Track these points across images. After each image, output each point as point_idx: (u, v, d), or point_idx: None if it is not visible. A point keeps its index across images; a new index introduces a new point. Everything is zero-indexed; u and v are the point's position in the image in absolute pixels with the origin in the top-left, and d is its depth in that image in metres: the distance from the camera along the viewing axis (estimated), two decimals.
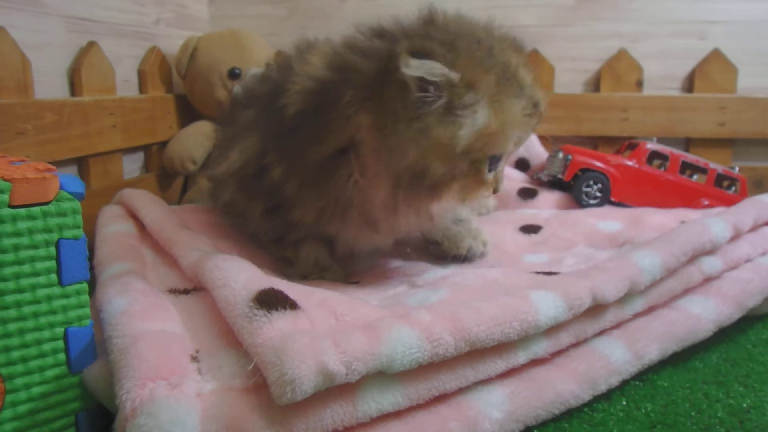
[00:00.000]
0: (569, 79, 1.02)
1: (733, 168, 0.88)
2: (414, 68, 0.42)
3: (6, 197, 0.35)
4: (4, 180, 0.35)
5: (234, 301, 0.39)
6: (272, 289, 0.40)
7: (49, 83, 0.71)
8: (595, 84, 1.02)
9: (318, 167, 0.48)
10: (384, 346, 0.35)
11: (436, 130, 0.44)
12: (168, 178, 0.93)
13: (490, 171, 0.47)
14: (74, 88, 0.75)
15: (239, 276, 0.42)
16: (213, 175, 0.64)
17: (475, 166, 0.46)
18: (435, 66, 0.42)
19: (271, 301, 0.39)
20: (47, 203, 0.37)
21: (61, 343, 0.38)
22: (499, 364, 0.40)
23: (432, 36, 0.45)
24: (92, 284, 0.48)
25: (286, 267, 0.60)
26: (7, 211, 0.35)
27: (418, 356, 0.36)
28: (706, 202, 0.84)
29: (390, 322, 0.37)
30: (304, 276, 0.59)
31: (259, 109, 0.58)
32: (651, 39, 0.99)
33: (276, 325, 0.37)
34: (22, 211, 0.36)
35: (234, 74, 0.90)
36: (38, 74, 0.68)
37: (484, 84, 0.44)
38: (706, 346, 0.51)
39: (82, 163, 0.76)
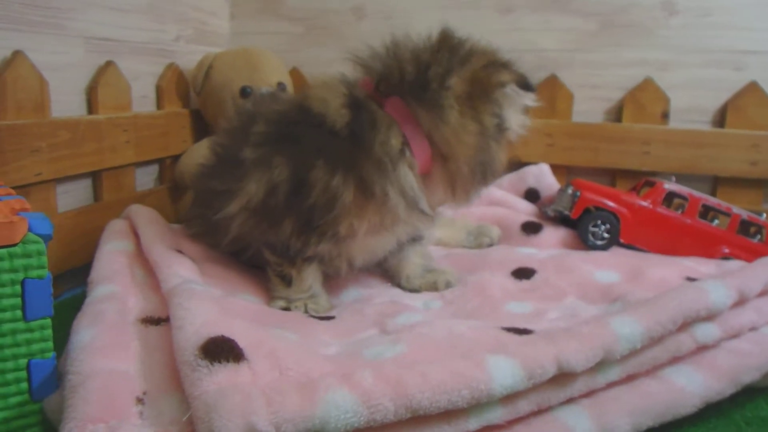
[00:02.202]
0: (589, 108, 0.97)
1: (760, 214, 0.80)
2: (532, 101, 0.56)
3: None
4: None
5: (184, 347, 0.40)
6: (222, 337, 0.40)
7: (67, 102, 0.75)
8: (617, 114, 0.96)
9: (383, 161, 0.55)
10: (318, 408, 0.35)
11: (512, 135, 0.58)
12: (179, 191, 0.97)
13: None
14: (91, 105, 0.79)
15: (196, 319, 0.43)
16: (220, 216, 0.61)
17: None
18: (535, 95, 0.57)
19: (217, 351, 0.39)
20: (14, 245, 0.39)
21: (23, 374, 0.41)
22: (446, 431, 0.39)
23: (513, 69, 0.56)
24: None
25: (280, 287, 0.62)
26: None
27: (353, 421, 0.36)
28: (727, 251, 0.77)
29: (329, 383, 0.37)
30: (290, 301, 0.61)
31: (271, 141, 0.58)
32: (680, 68, 0.92)
33: (215, 378, 0.37)
34: None
35: (245, 93, 0.92)
36: (57, 93, 0.72)
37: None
38: (693, 420, 0.47)
39: (95, 177, 0.80)
